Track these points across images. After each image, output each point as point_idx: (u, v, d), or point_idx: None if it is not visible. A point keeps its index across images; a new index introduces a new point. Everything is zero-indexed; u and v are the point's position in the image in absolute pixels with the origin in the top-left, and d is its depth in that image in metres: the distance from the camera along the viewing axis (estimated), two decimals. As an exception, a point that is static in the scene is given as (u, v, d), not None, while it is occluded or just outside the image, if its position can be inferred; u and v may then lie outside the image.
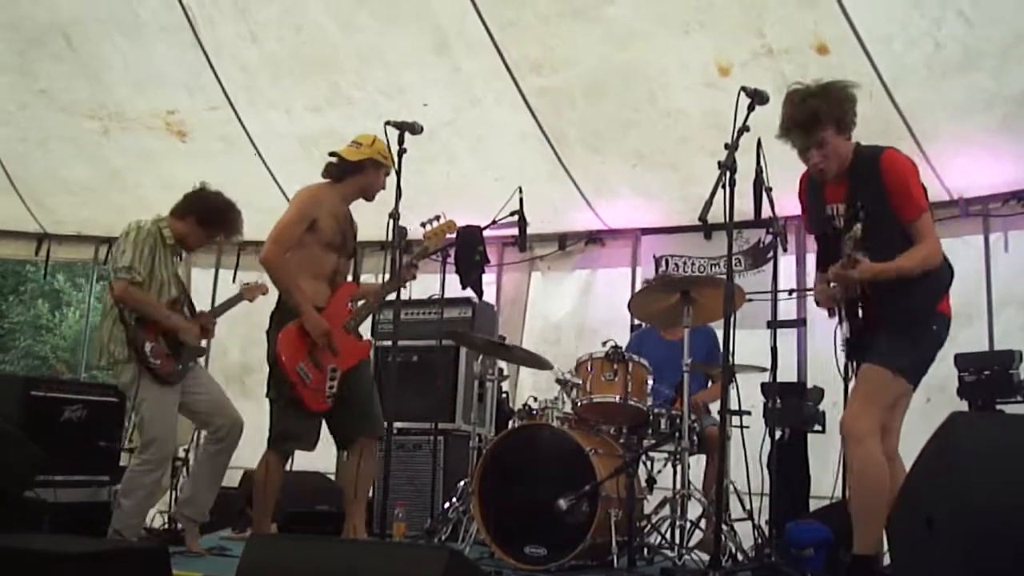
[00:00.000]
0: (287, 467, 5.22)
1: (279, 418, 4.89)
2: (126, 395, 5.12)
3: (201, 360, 5.50)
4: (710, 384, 6.19)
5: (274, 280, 4.95)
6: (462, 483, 5.72)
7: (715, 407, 6.00)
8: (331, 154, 5.07)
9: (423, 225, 5.24)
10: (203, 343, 5.39)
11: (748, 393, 5.58)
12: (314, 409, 4.86)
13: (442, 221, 5.26)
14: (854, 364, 4.19)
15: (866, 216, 3.80)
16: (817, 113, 3.97)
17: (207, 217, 5.28)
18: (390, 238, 4.63)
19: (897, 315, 3.98)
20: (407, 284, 5.29)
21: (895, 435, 4.10)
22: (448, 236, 5.36)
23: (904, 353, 3.96)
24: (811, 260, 7.25)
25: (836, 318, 4.26)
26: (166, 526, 6.14)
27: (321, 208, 4.93)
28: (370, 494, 5.45)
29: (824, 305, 4.37)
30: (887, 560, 3.94)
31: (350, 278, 5.20)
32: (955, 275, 4.11)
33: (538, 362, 6.03)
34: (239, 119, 8.15)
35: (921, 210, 3.93)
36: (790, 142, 4.07)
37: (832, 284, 4.17)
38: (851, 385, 4.15)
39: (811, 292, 6.74)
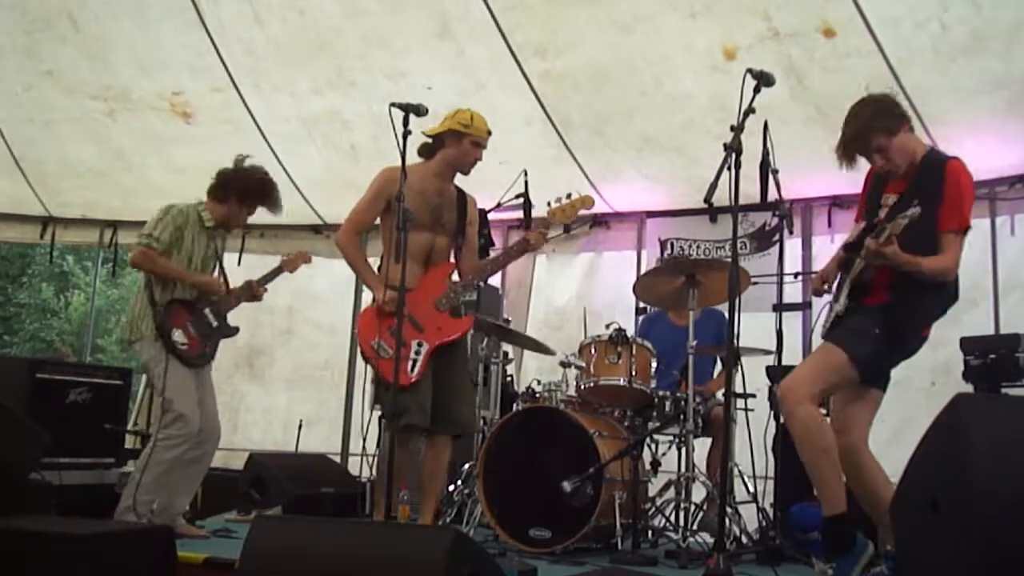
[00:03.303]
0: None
1: (378, 398, 4.94)
2: (146, 370, 5.07)
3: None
4: (719, 366, 6.18)
5: (346, 261, 5.03)
6: (466, 466, 5.73)
7: (721, 391, 6.00)
8: (424, 133, 5.03)
9: (554, 202, 5.11)
10: (236, 327, 5.45)
11: (753, 376, 5.58)
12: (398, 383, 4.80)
13: (574, 197, 5.12)
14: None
15: (918, 211, 3.84)
16: (867, 127, 4.08)
17: (245, 193, 5.26)
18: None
19: (885, 312, 4.01)
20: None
21: (865, 427, 4.14)
22: (583, 212, 5.20)
23: (866, 344, 3.99)
24: (817, 243, 7.29)
25: (832, 295, 4.29)
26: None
27: (397, 184, 4.80)
28: (371, 475, 5.44)
29: (816, 286, 4.47)
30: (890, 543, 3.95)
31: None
32: (961, 268, 4.12)
33: (540, 348, 6.03)
34: (243, 100, 8.15)
35: (963, 225, 3.97)
36: (854, 152, 4.18)
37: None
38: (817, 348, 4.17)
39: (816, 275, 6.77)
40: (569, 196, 5.10)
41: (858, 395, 4.14)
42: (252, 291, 5.43)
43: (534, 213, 5.84)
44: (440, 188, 4.99)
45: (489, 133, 4.99)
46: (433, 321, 4.83)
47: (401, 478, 4.75)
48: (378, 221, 5.03)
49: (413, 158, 4.81)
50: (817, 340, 4.30)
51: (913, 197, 3.92)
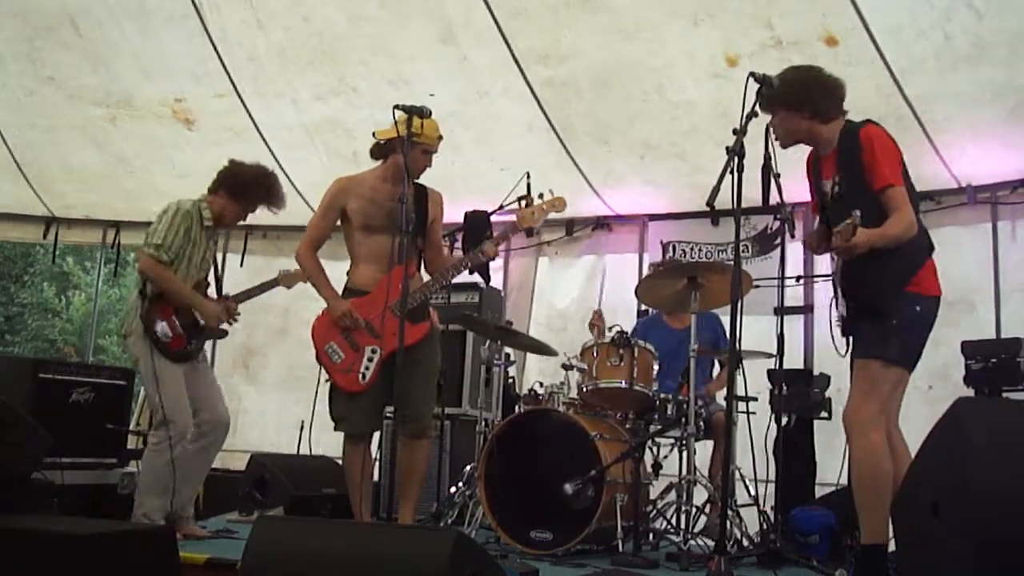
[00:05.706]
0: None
1: (329, 400, 4.92)
2: (136, 366, 5.12)
3: (207, 348, 5.44)
4: (717, 369, 6.19)
5: (305, 274, 5.05)
6: (468, 467, 5.74)
7: (721, 393, 6.01)
8: (374, 135, 5.00)
9: (520, 201, 5.07)
10: (225, 326, 5.39)
11: (755, 379, 5.59)
12: (347, 390, 4.78)
13: (546, 198, 5.04)
14: (849, 340, 4.18)
15: (841, 189, 3.98)
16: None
17: (237, 189, 5.24)
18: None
19: (870, 296, 4.01)
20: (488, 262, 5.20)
21: (896, 408, 4.12)
22: (552, 214, 5.09)
23: (889, 341, 3.97)
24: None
25: (833, 297, 4.29)
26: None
27: (348, 194, 4.90)
28: (374, 478, 5.43)
29: (812, 248, 4.53)
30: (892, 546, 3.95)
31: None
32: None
33: (543, 350, 6.03)
34: (245, 107, 8.16)
35: (887, 181, 3.93)
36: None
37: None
38: (854, 367, 4.14)
39: (818, 279, 6.79)
40: (541, 196, 5.05)
41: None
42: (228, 311, 5.34)
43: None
44: (393, 193, 4.78)
45: (440, 138, 4.93)
46: (389, 326, 4.70)
47: (354, 480, 4.81)
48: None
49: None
50: (819, 343, 4.31)
51: (840, 173, 4.02)
